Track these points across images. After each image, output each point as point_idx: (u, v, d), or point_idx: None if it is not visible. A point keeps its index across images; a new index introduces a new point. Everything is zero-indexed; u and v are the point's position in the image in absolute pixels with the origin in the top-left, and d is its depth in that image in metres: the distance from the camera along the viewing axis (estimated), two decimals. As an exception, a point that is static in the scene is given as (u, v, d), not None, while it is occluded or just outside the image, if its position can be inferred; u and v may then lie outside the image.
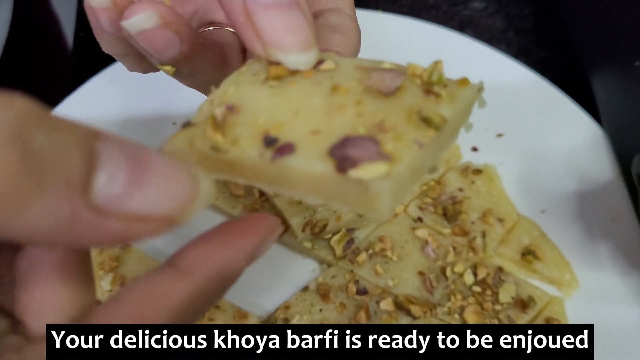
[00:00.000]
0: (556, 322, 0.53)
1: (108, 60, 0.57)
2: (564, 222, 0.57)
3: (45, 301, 0.22)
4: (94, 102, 0.61)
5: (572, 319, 0.54)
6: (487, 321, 0.53)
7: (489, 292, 0.54)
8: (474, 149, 0.61)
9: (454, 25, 0.67)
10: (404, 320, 0.52)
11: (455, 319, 0.53)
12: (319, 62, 0.28)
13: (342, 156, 0.23)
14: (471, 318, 0.53)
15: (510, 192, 0.59)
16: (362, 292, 0.53)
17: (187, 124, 0.26)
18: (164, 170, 0.20)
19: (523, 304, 0.54)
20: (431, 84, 0.27)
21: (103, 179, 0.19)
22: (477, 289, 0.54)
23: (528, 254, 0.56)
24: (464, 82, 0.27)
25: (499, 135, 0.62)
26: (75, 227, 0.18)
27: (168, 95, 0.48)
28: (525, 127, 0.61)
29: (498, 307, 0.53)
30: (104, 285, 0.54)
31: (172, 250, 0.49)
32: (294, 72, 0.27)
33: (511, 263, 0.56)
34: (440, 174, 0.59)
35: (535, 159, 0.60)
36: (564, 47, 0.69)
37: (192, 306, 0.23)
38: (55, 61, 0.81)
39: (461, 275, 0.55)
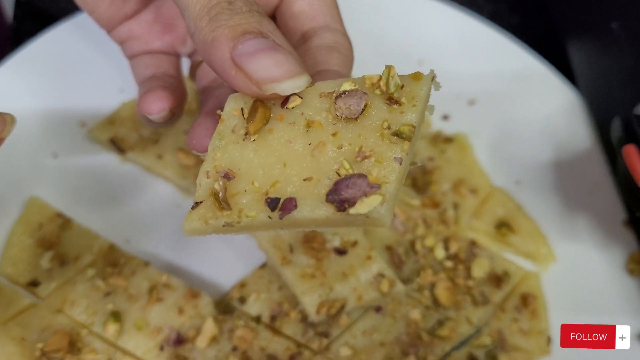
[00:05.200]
0: (532, 299, 0.50)
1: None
2: (540, 194, 0.55)
3: None
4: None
5: (549, 294, 0.51)
6: (459, 298, 0.49)
7: (461, 267, 0.51)
8: (445, 117, 0.58)
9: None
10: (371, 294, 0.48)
11: (425, 296, 0.49)
12: (285, 99, 0.31)
13: (339, 200, 0.27)
14: (442, 295, 0.49)
15: (483, 162, 0.57)
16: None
17: (195, 205, 0.30)
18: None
19: (497, 279, 0.51)
20: (390, 93, 0.29)
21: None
22: (448, 264, 0.51)
23: (502, 227, 0.53)
24: (417, 76, 0.30)
25: (471, 102, 0.58)
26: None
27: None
28: (498, 94, 0.58)
29: (471, 283, 0.50)
30: (43, 264, 0.49)
31: (110, 226, 0.46)
32: (268, 120, 0.31)
33: (485, 236, 0.54)
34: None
35: (509, 127, 0.58)
36: (536, 14, 0.66)
37: None
38: None
39: (432, 249, 0.52)
